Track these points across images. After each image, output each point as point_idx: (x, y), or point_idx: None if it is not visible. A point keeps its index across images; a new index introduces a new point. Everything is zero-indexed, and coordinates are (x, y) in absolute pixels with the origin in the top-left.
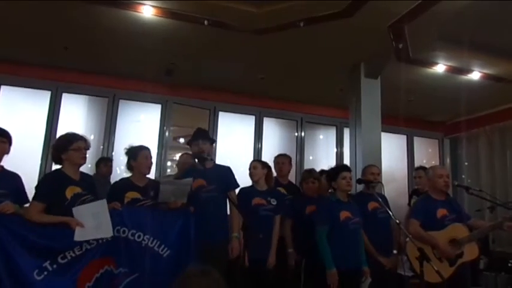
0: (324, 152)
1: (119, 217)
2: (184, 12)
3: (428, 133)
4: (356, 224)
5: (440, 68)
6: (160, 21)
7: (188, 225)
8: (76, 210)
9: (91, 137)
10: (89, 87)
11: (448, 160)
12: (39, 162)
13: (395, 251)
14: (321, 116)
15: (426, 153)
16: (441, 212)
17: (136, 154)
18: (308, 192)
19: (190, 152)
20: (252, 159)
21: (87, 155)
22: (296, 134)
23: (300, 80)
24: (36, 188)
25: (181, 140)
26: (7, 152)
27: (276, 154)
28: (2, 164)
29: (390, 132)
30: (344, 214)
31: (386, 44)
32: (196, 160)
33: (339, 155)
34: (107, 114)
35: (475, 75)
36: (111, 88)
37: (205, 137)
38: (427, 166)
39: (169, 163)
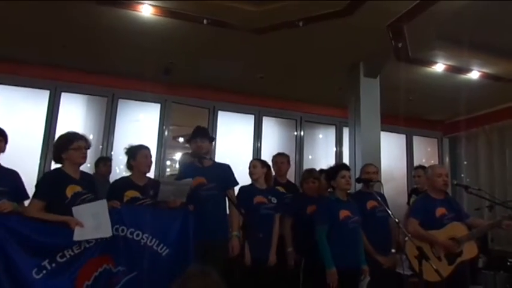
0: (323, 151)
1: (117, 215)
2: (183, 11)
3: (427, 132)
4: (355, 222)
5: (439, 67)
6: (159, 21)
7: (187, 224)
8: (76, 209)
9: (90, 137)
10: (88, 87)
11: (447, 159)
12: (38, 161)
13: (393, 250)
14: (320, 115)
15: (425, 152)
16: (440, 211)
17: (135, 153)
18: (308, 192)
19: (190, 152)
20: (251, 158)
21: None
22: (295, 133)
23: (299, 79)
24: (36, 186)
25: (181, 139)
26: (3, 150)
27: (275, 153)
28: None
29: (389, 132)
30: (343, 213)
31: (385, 43)
32: (195, 158)
33: (338, 154)
34: (106, 113)
35: (474, 75)
36: (110, 87)
37: (204, 135)
38: (426, 165)
39: (168, 162)
